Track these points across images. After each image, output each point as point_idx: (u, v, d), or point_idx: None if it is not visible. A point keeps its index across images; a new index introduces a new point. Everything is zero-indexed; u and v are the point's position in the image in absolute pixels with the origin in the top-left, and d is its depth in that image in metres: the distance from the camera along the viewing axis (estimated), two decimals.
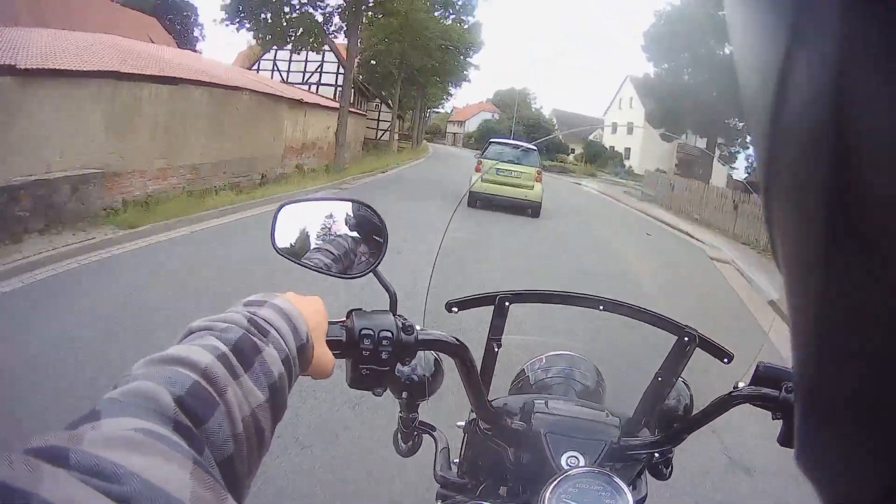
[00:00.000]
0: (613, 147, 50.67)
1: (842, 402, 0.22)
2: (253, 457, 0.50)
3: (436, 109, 58.29)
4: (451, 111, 70.15)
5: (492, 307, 1.14)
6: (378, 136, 36.51)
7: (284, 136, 17.04)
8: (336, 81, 29.86)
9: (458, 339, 0.91)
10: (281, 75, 30.87)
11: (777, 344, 1.31)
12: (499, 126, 53.62)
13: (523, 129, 50.97)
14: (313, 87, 30.26)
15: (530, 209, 13.28)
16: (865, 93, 0.18)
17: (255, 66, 31.52)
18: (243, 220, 9.65)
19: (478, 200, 13.00)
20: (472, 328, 1.30)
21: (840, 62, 0.18)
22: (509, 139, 16.35)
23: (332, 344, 0.74)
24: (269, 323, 0.59)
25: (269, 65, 32.12)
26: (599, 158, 48.08)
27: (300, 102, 18.21)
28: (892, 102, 0.17)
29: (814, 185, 0.20)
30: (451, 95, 49.03)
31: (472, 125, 67.47)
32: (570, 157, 50.12)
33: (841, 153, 0.19)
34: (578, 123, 58.54)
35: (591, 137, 51.65)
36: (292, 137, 17.79)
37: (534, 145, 16.10)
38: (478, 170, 13.41)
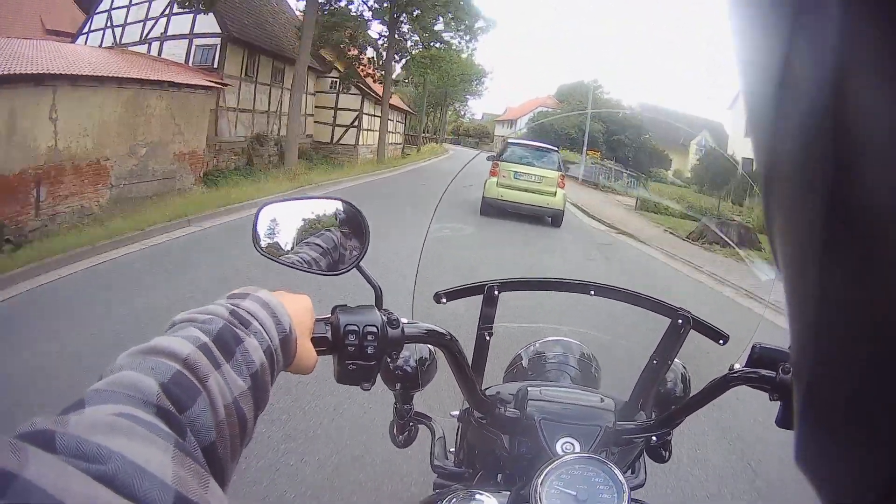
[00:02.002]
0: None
1: (841, 403, 0.23)
2: (236, 442, 0.51)
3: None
4: (505, 111, 61.51)
5: (481, 296, 1.14)
6: (337, 138, 23.65)
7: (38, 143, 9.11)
8: (192, 29, 16.76)
9: (445, 331, 0.92)
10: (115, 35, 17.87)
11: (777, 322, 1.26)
12: (557, 123, 31.25)
13: (601, 127, 31.10)
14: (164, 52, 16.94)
15: (551, 218, 12.26)
16: (865, 92, 0.18)
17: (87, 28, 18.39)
18: None
19: (492, 208, 11.83)
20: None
21: (840, 62, 0.18)
22: (528, 140, 15.30)
23: (317, 341, 0.75)
24: (251, 314, 0.60)
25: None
26: (722, 178, 21.02)
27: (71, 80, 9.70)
28: (891, 102, 0.17)
29: (813, 184, 0.20)
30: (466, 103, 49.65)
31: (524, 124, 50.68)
32: (669, 174, 30.18)
33: (840, 153, 0.19)
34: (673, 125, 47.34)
35: (694, 141, 31.18)
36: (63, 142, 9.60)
37: (555, 147, 15.08)
38: (493, 174, 12.36)
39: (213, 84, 14.69)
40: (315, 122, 22.94)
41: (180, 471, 0.38)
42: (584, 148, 28.04)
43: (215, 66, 16.57)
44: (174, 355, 0.49)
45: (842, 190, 0.19)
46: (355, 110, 23.92)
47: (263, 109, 18.70)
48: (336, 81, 23.33)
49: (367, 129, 24.66)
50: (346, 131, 23.86)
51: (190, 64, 16.49)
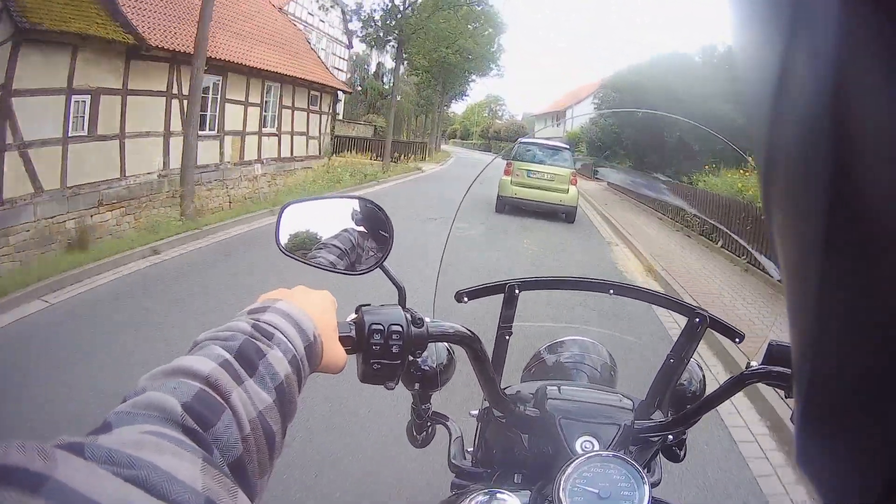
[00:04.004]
0: None
1: (841, 402, 0.23)
2: (264, 457, 0.51)
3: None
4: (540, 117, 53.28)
5: (501, 296, 1.14)
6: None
7: None
8: None
9: (468, 330, 0.92)
10: None
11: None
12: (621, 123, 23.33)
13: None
14: None
15: (565, 214, 12.60)
16: (865, 92, 0.18)
17: None
18: None
19: (507, 205, 12.50)
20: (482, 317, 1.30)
21: (840, 62, 0.18)
22: (539, 139, 15.12)
23: (342, 340, 0.75)
24: (273, 326, 0.61)
25: None
26: None
27: None
28: (891, 102, 0.17)
29: (813, 184, 0.20)
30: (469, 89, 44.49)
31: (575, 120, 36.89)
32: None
33: (840, 153, 0.19)
34: None
35: None
36: None
37: (567, 145, 15.19)
38: (507, 172, 12.86)
39: None
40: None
41: (209, 482, 0.38)
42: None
43: None
44: (196, 374, 0.50)
45: (842, 189, 0.19)
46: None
47: None
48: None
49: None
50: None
51: None
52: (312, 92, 18.63)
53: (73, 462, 0.32)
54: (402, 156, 25.62)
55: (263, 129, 15.64)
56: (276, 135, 16.50)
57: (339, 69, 32.08)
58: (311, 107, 18.70)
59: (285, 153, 17.05)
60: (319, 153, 19.54)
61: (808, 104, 0.20)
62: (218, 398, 0.49)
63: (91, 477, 0.32)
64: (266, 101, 15.67)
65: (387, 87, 42.03)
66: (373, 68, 43.77)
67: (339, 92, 21.65)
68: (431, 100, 39.77)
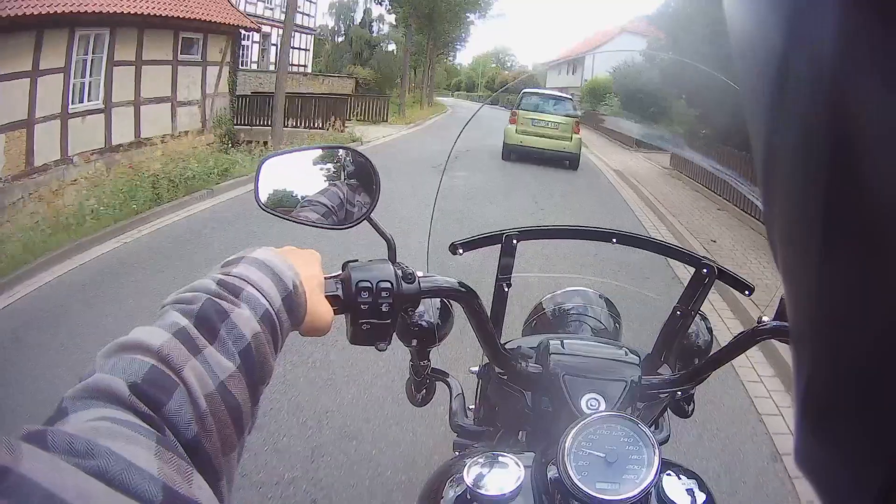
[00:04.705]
0: None
1: (842, 402, 0.22)
2: (228, 432, 0.48)
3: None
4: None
5: (499, 246, 1.09)
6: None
7: None
8: None
9: (463, 284, 0.87)
10: None
11: None
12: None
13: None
14: None
15: (568, 161, 13.21)
16: (865, 92, 0.18)
17: None
18: None
19: (512, 153, 13.15)
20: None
21: (840, 62, 0.18)
22: (543, 90, 15.84)
23: (329, 300, 0.70)
24: (243, 279, 0.56)
25: None
26: None
27: None
28: (891, 102, 0.17)
29: (813, 184, 0.20)
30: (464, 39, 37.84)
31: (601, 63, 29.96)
32: None
33: (840, 153, 0.19)
34: None
35: None
36: None
37: (569, 95, 15.61)
38: (512, 121, 13.49)
39: None
40: None
41: (164, 466, 0.37)
42: None
43: None
44: (148, 348, 0.46)
45: (842, 189, 0.19)
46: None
47: None
48: None
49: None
50: None
51: None
52: (185, 35, 12.50)
53: (37, 455, 0.32)
54: (336, 119, 16.47)
55: (73, 107, 9.97)
56: (103, 110, 10.67)
57: (307, 14, 29.80)
58: (180, 57, 12.52)
59: (126, 136, 11.19)
60: (204, 126, 13.50)
61: (809, 105, 0.20)
62: (170, 374, 0.45)
63: (54, 470, 0.31)
64: (78, 61, 9.95)
65: (376, 36, 39.46)
66: (359, 16, 41.06)
67: (244, 32, 15.52)
68: (423, 47, 34.40)
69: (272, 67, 23.94)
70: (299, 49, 29.43)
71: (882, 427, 0.20)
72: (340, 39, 39.60)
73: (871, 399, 0.20)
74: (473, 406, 1.25)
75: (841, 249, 0.20)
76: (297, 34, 27.65)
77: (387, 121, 21.37)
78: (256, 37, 24.98)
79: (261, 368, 0.52)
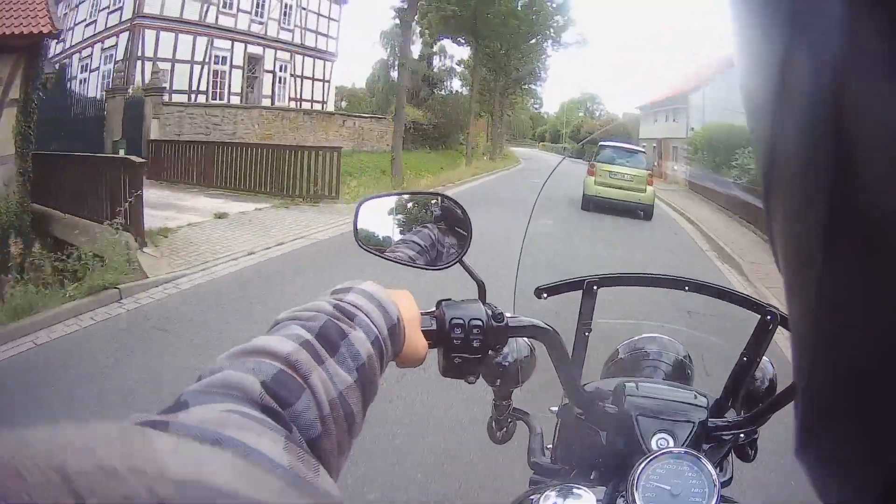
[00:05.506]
0: None
1: (842, 402, 0.22)
2: (343, 437, 0.51)
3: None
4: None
5: (580, 292, 1.15)
6: None
7: None
8: None
9: (548, 325, 0.92)
10: None
11: None
12: None
13: None
14: None
15: (643, 212, 13.58)
16: (865, 92, 0.18)
17: None
18: None
19: (591, 203, 13.59)
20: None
21: (840, 62, 0.18)
22: (618, 143, 16.52)
23: (423, 334, 0.75)
24: (356, 307, 0.60)
25: None
26: None
27: None
28: (892, 102, 0.17)
29: (814, 185, 0.20)
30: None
31: None
32: None
33: (841, 153, 0.19)
34: None
35: None
36: None
37: (642, 148, 16.35)
38: (591, 173, 14.03)
39: None
40: None
41: (293, 460, 0.39)
42: None
43: None
44: (275, 354, 0.49)
45: (843, 190, 0.19)
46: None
47: None
48: None
49: None
50: None
51: None
52: None
53: (159, 436, 0.32)
54: (315, 185, 12.04)
55: None
56: None
57: (326, 34, 22.59)
58: None
59: None
60: None
61: (810, 104, 0.20)
62: (297, 378, 0.48)
63: (192, 454, 0.31)
64: None
65: (437, 71, 32.09)
66: (418, 48, 31.65)
67: (45, 43, 8.51)
68: (490, 84, 28.16)
69: (265, 102, 19.09)
70: (313, 79, 22.53)
71: (882, 427, 0.20)
72: (395, 75, 32.55)
73: (871, 399, 0.20)
74: (551, 445, 1.29)
75: (842, 249, 0.20)
76: (311, 59, 22.07)
77: (336, 197, 12.20)
78: (238, 59, 18.87)
79: (370, 386, 0.56)
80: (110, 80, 16.86)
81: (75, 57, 18.80)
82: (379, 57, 37.96)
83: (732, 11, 0.24)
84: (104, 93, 15.72)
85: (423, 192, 1.02)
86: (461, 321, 0.80)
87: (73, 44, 18.92)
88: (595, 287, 1.14)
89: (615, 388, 1.09)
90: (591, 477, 1.07)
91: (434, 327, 0.79)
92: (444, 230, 0.96)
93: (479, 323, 0.80)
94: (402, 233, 0.96)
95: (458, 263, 0.92)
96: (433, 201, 0.99)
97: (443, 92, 30.75)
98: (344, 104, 27.23)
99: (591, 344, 1.15)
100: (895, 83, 0.17)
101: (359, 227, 0.94)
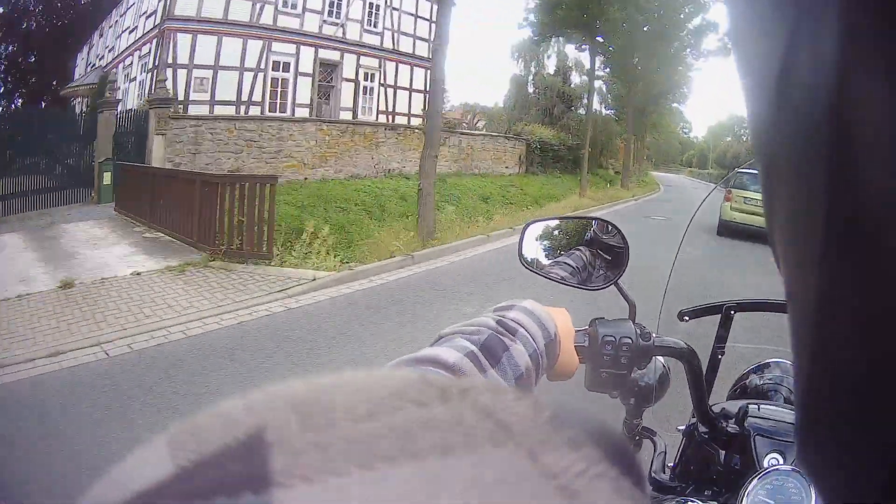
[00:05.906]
0: None
1: (842, 402, 0.22)
2: None
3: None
4: None
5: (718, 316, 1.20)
6: None
7: None
8: None
9: (690, 347, 0.97)
10: None
11: None
12: None
13: None
14: None
15: None
16: (865, 93, 0.17)
17: None
18: None
19: (727, 230, 13.32)
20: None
21: (840, 62, 0.18)
22: (755, 169, 15.44)
23: (576, 349, 0.80)
24: (517, 323, 0.64)
25: None
26: None
27: None
28: (892, 102, 0.17)
29: (815, 185, 0.20)
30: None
31: None
32: None
33: (841, 153, 0.19)
34: None
35: None
36: None
37: None
38: (727, 199, 13.74)
39: None
40: None
41: None
42: None
43: None
44: (443, 363, 0.53)
45: (843, 190, 0.19)
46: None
47: None
48: None
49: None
50: None
51: None
52: None
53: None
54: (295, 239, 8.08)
55: None
56: None
57: (421, 37, 18.85)
58: None
59: None
60: None
61: (810, 104, 0.19)
62: None
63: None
64: None
65: (573, 87, 28.96)
66: (552, 63, 29.84)
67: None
68: (624, 101, 24.69)
69: (341, 115, 16.14)
70: (409, 90, 18.95)
71: (883, 429, 0.20)
72: (532, 91, 29.65)
73: (871, 400, 0.20)
74: (672, 463, 1.33)
75: (842, 249, 0.20)
76: (404, 66, 18.72)
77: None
78: (306, 65, 15.61)
79: None
80: (145, 90, 14.78)
81: (119, 66, 17.68)
82: (513, 72, 34.06)
83: (732, 11, 0.24)
84: (143, 103, 13.41)
85: (579, 216, 1.11)
86: (612, 338, 0.86)
87: (119, 53, 17.93)
88: (732, 312, 1.19)
89: (739, 409, 1.12)
90: (706, 493, 1.11)
91: (586, 344, 0.83)
92: (597, 253, 1.04)
93: (629, 341, 0.86)
94: (560, 253, 1.04)
95: (613, 285, 0.99)
96: (590, 225, 1.07)
97: (581, 111, 26.97)
98: (480, 124, 25.13)
99: (723, 367, 1.20)
100: (895, 83, 0.16)
101: (525, 246, 1.03)
